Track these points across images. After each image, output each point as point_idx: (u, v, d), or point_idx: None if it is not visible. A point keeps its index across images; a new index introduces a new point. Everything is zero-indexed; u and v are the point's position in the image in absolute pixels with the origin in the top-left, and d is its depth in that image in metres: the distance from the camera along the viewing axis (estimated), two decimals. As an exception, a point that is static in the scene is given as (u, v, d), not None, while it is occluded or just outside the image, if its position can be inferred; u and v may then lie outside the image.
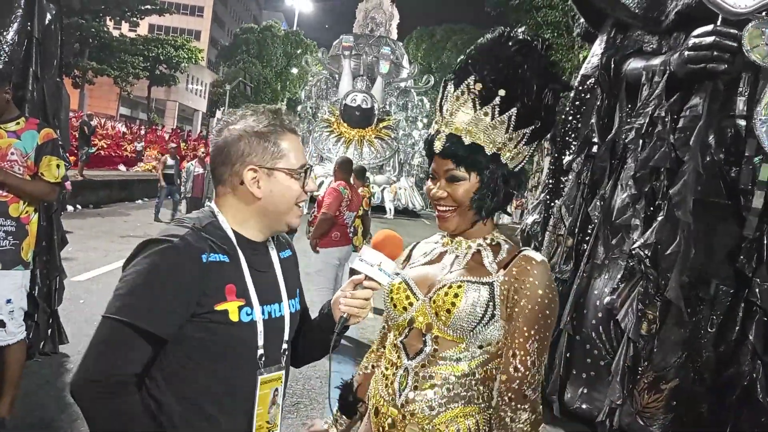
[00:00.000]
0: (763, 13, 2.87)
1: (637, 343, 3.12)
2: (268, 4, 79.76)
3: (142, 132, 27.18)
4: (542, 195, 4.28)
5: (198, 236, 1.22)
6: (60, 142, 3.16)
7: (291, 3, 62.20)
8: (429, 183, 1.38)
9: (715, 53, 2.92)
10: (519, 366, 1.23)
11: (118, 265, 7.52)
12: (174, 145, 15.57)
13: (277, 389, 1.32)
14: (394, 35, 27.62)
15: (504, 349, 1.27)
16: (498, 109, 1.28)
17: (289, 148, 1.29)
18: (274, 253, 1.37)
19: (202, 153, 11.68)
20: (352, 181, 5.87)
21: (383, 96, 24.02)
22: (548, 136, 1.47)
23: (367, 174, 7.68)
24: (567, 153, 3.98)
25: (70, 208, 10.94)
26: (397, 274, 1.41)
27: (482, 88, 1.29)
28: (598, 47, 3.95)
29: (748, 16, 2.85)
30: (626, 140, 3.43)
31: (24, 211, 2.98)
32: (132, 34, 38.04)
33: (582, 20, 4.40)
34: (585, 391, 3.37)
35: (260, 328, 1.26)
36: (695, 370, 3.08)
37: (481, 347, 1.28)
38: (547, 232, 3.96)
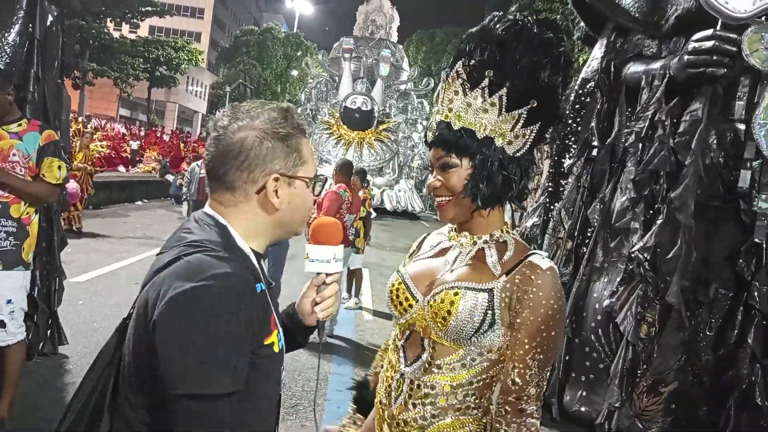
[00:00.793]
0: (763, 18, 2.89)
1: (636, 346, 3.12)
2: (268, 6, 79.92)
3: (142, 133, 27.20)
4: (542, 198, 4.29)
5: (238, 264, 1.03)
6: (61, 144, 3.18)
7: (291, 5, 62.36)
8: (430, 177, 1.36)
9: (715, 57, 2.93)
10: (517, 379, 1.19)
11: (117, 266, 7.53)
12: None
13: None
14: (395, 38, 27.59)
15: (506, 359, 1.22)
16: (488, 91, 1.24)
17: (308, 155, 1.16)
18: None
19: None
20: (352, 183, 5.88)
21: (383, 98, 24.00)
22: (556, 123, 1.35)
23: (368, 177, 7.69)
24: (567, 156, 3.99)
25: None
26: (398, 271, 1.40)
27: (470, 71, 1.26)
28: (598, 51, 3.96)
29: (748, 20, 2.87)
30: (626, 144, 3.43)
31: (25, 212, 2.99)
32: (132, 36, 38.07)
33: (582, 24, 4.41)
34: (584, 393, 3.37)
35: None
36: (694, 373, 3.08)
37: (481, 354, 1.23)
38: (547, 235, 3.97)
